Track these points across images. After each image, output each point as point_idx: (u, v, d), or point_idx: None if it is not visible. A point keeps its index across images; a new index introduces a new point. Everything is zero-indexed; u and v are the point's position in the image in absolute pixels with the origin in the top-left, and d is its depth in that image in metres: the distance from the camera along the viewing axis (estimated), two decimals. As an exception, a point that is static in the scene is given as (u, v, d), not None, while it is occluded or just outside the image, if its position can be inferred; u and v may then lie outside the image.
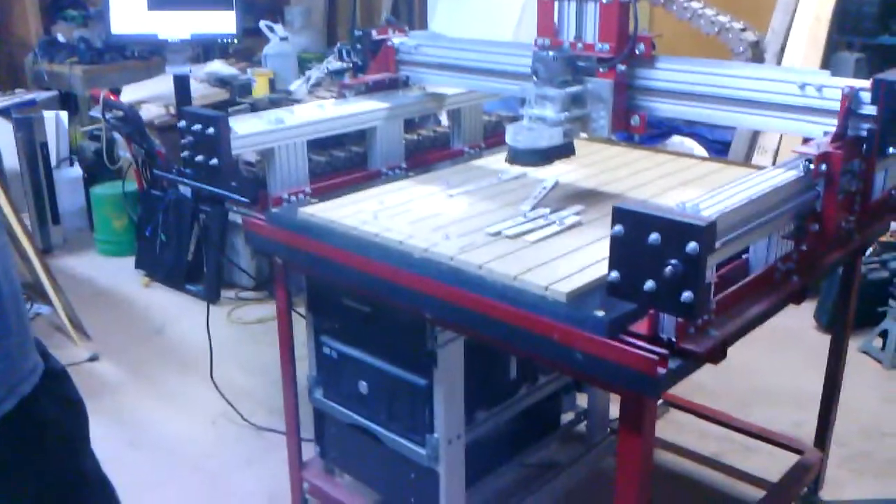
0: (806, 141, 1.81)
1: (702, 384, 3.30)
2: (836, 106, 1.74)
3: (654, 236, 1.31)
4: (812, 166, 1.67)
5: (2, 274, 1.38)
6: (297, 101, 3.19)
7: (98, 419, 1.68)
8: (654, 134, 4.53)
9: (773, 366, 3.60)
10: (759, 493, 2.66)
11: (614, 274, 1.39)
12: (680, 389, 2.88)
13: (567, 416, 2.86)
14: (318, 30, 6.87)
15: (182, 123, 2.18)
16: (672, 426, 3.02)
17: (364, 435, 2.28)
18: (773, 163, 4.05)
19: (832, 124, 1.74)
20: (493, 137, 2.81)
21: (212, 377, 3.31)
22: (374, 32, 2.58)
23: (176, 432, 3.25)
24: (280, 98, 4.24)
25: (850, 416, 3.04)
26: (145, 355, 3.86)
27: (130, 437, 3.20)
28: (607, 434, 2.87)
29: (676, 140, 4.43)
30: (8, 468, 1.40)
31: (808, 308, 3.96)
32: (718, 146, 4.55)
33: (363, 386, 2.23)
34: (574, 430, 2.92)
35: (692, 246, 1.27)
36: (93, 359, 3.79)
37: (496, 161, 2.53)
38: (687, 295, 1.30)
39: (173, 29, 3.85)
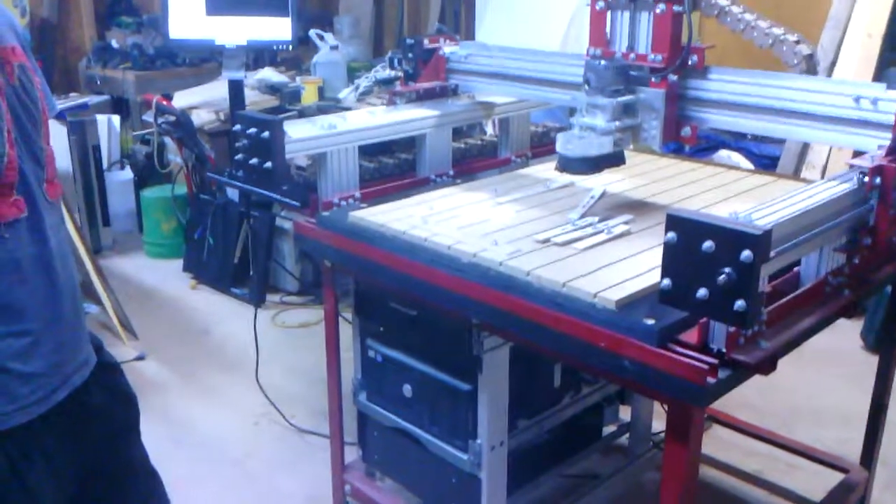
0: (858, 154, 1.80)
1: (746, 401, 3.27)
2: (891, 119, 1.72)
3: (707, 244, 1.31)
4: (866, 179, 1.66)
5: (61, 268, 1.43)
6: (346, 109, 3.23)
7: (143, 416, 1.71)
8: (701, 148, 4.51)
9: (818, 384, 3.55)
10: (803, 512, 2.63)
11: (666, 281, 1.39)
12: (724, 405, 2.86)
13: (609, 428, 2.85)
14: (365, 39, 6.93)
15: (237, 127, 2.23)
16: (715, 442, 2.99)
17: (407, 439, 2.30)
18: (822, 178, 4.01)
19: (886, 138, 1.73)
20: (539, 147, 2.82)
21: (257, 378, 3.36)
22: (425, 41, 2.61)
23: (219, 431, 3.29)
24: (328, 105, 4.29)
25: (897, 437, 2.99)
26: (191, 355, 3.92)
27: (174, 435, 3.26)
28: (650, 447, 2.86)
29: (723, 154, 4.41)
30: (59, 454, 1.45)
31: (854, 327, 3.91)
32: (765, 161, 4.52)
33: (407, 390, 2.25)
34: (616, 442, 2.91)
35: (746, 254, 1.27)
36: (140, 358, 3.86)
37: (543, 170, 2.55)
38: (740, 303, 1.30)
39: (230, 34, 3.92)
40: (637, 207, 2.18)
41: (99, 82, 6.28)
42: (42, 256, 1.38)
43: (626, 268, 1.77)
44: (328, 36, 5.00)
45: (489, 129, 3.36)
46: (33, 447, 1.39)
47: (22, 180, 1.33)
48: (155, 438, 2.49)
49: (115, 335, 3.99)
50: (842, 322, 1.82)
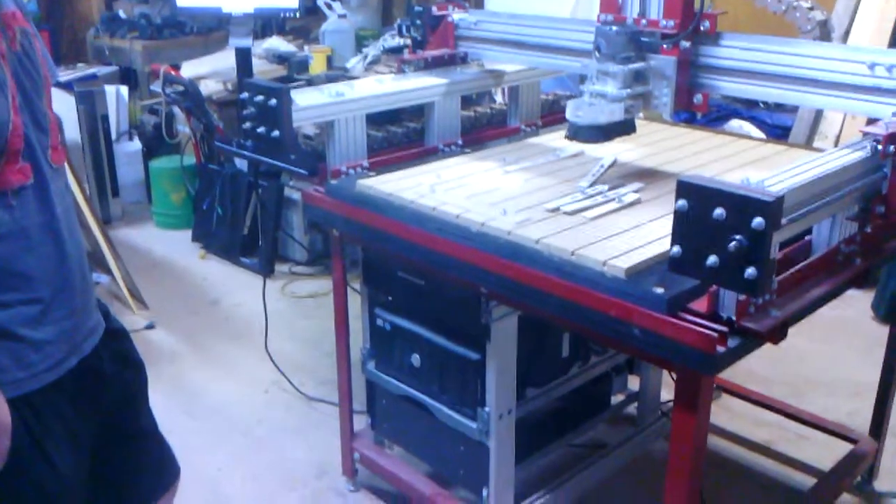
0: (873, 121, 1.78)
1: (755, 371, 3.27)
2: (907, 86, 1.70)
3: (718, 211, 1.30)
4: (880, 147, 1.63)
5: (67, 235, 1.42)
6: (354, 78, 3.20)
7: (153, 386, 1.71)
8: (713, 118, 4.47)
9: (828, 355, 3.54)
10: (812, 481, 2.63)
11: (676, 248, 1.38)
12: (733, 376, 2.86)
13: (617, 398, 2.85)
14: (373, 8, 6.86)
15: (244, 95, 2.21)
16: (725, 412, 3.00)
17: (415, 407, 2.31)
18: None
19: (902, 105, 1.71)
20: (549, 116, 2.80)
21: (266, 348, 3.37)
22: (434, 8, 2.58)
23: (229, 400, 3.31)
24: (337, 75, 4.26)
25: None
26: (200, 325, 3.94)
27: (184, 403, 3.28)
28: (658, 417, 2.86)
29: (735, 124, 4.37)
30: (75, 419, 1.46)
31: (864, 298, 3.88)
32: (778, 131, 4.47)
33: (416, 358, 2.26)
34: (624, 411, 2.91)
35: (758, 221, 1.26)
36: (149, 327, 3.87)
37: (553, 139, 2.53)
38: (751, 271, 1.29)
39: (237, 1, 3.89)
40: (647, 176, 2.16)
41: (107, 52, 6.25)
42: (49, 223, 1.38)
43: (636, 236, 1.76)
44: (336, 5, 4.97)
45: (498, 98, 3.34)
46: (49, 413, 1.39)
47: (27, 147, 1.32)
48: (165, 407, 2.52)
49: (124, 304, 4.00)
50: (852, 293, 1.81)
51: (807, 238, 1.74)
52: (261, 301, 3.31)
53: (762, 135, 4.21)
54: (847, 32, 4.43)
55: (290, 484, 2.81)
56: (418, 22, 2.60)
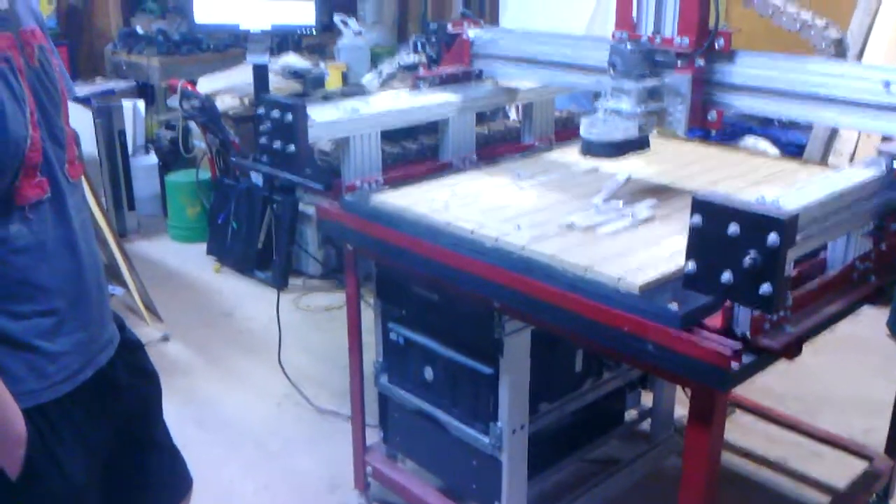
0: (887, 139, 1.78)
1: (769, 388, 3.25)
2: (922, 105, 1.70)
3: (733, 228, 1.30)
4: (895, 164, 1.64)
5: (84, 247, 1.44)
6: (369, 94, 3.22)
7: (167, 398, 1.72)
8: (727, 135, 4.46)
9: (843, 373, 3.52)
10: (826, 499, 2.61)
11: (691, 265, 1.38)
12: (747, 392, 2.85)
13: (631, 414, 2.84)
14: (389, 25, 6.93)
15: (261, 110, 2.23)
16: (738, 429, 2.98)
17: (428, 421, 2.31)
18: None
19: (917, 123, 1.71)
20: (563, 132, 2.81)
21: (279, 361, 3.38)
22: (449, 25, 2.60)
23: (242, 412, 3.32)
24: (352, 91, 4.29)
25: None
26: (214, 338, 3.96)
27: (198, 416, 3.29)
28: (671, 433, 2.85)
29: (750, 141, 4.37)
30: (89, 429, 1.47)
31: (879, 316, 3.87)
32: (792, 148, 4.46)
33: (429, 372, 2.26)
34: (637, 428, 2.91)
35: (773, 238, 1.27)
36: (164, 339, 3.90)
37: (567, 155, 2.53)
38: (765, 288, 1.29)
39: (255, 19, 3.93)
40: (662, 192, 2.17)
41: (125, 68, 6.32)
42: (66, 236, 1.39)
43: (651, 252, 1.76)
44: (352, 21, 5.01)
45: (512, 115, 3.34)
46: (63, 424, 1.40)
47: (44, 161, 1.34)
48: (179, 419, 2.53)
49: (139, 317, 4.02)
50: (867, 310, 1.81)
51: (822, 255, 1.74)
52: (274, 314, 3.33)
53: (776, 152, 4.21)
54: (862, 51, 4.43)
55: (302, 497, 2.82)
56: (433, 39, 2.62)
